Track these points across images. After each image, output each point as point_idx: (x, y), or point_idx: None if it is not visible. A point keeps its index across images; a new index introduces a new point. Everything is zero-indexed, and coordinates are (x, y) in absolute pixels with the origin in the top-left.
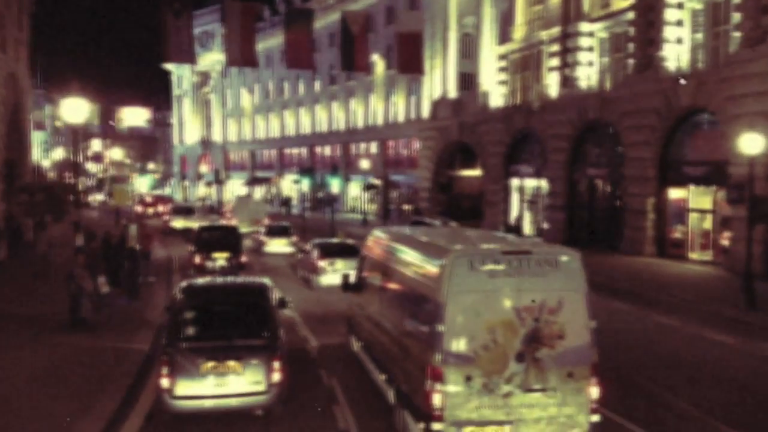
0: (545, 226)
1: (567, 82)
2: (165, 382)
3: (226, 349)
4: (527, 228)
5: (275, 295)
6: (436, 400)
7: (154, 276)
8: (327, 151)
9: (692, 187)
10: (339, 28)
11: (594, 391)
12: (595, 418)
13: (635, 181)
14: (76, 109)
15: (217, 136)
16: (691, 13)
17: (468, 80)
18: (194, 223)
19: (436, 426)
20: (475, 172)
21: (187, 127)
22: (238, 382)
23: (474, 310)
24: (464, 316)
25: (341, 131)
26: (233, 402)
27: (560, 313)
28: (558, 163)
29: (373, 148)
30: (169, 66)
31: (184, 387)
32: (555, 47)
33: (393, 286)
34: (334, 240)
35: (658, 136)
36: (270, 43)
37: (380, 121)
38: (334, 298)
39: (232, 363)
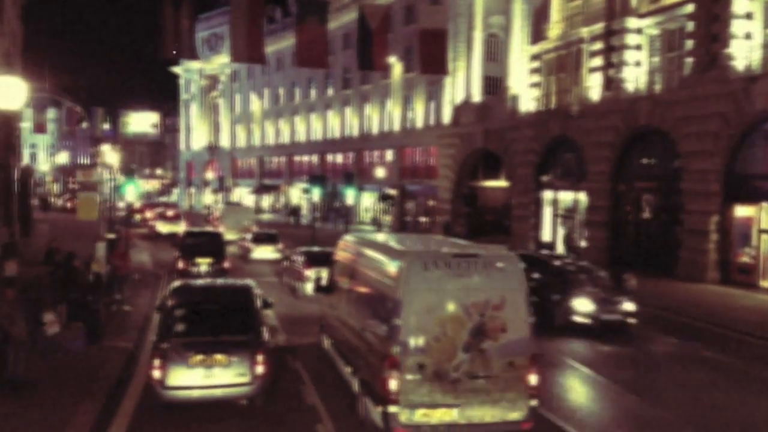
0: (582, 243)
1: (611, 84)
2: (157, 374)
3: (214, 344)
4: (560, 246)
5: (259, 296)
6: (393, 385)
7: (130, 305)
8: (339, 158)
9: (765, 204)
10: (356, 25)
11: (533, 379)
12: (534, 402)
13: (695, 196)
14: (10, 91)
15: (224, 142)
16: (764, 4)
17: (493, 84)
18: (180, 228)
19: (392, 408)
20: (500, 183)
21: (194, 133)
22: (224, 374)
23: (427, 307)
24: (418, 312)
25: (354, 138)
26: (220, 392)
27: (503, 310)
28: (600, 174)
29: (389, 156)
30: (178, 69)
31: (175, 378)
32: (597, 45)
33: (358, 286)
34: (320, 249)
35: (723, 145)
36: (281, 45)
37: (397, 127)
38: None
39: (219, 356)
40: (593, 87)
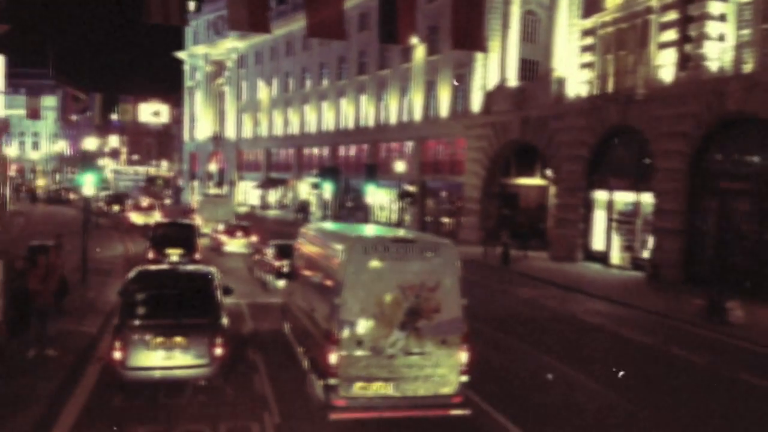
0: (646, 254)
1: (688, 62)
2: (118, 355)
3: (174, 327)
4: (616, 257)
5: (220, 282)
6: (333, 359)
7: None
8: (352, 151)
9: None
10: (373, 3)
11: (463, 356)
12: (464, 378)
13: None
14: None
15: (230, 133)
16: None
17: (529, 69)
18: (153, 219)
19: (332, 381)
20: (534, 181)
21: (199, 122)
22: (184, 356)
23: (367, 288)
24: (358, 292)
25: (370, 128)
26: (179, 373)
27: (437, 292)
28: (672, 172)
29: (408, 148)
30: (182, 55)
31: (136, 359)
32: (670, 16)
33: (311, 272)
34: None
35: None
36: (291, 27)
37: (418, 116)
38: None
39: (178, 339)
40: (664, 66)
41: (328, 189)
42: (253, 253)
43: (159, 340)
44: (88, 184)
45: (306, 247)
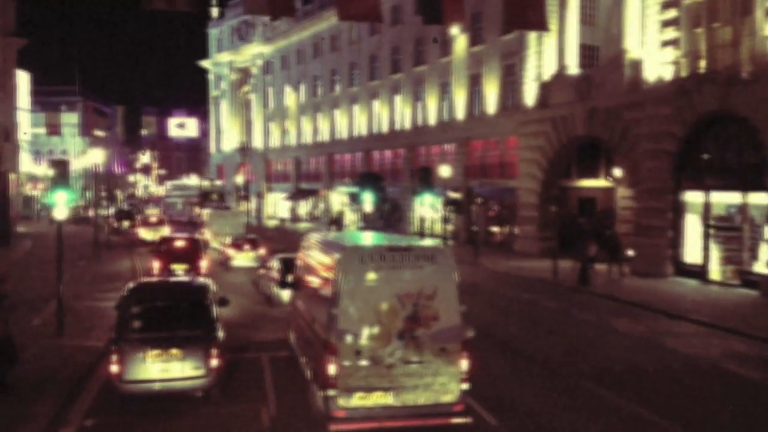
0: (759, 268)
1: None
2: (115, 368)
3: (170, 339)
4: (716, 271)
5: (215, 293)
6: (331, 370)
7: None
8: (388, 156)
9: None
10: None
11: (464, 364)
12: (465, 386)
13: None
14: None
15: (257, 143)
16: None
17: (589, 56)
18: (162, 234)
19: (331, 392)
20: (598, 183)
21: (225, 133)
22: (180, 368)
23: (364, 297)
24: (355, 302)
25: (407, 131)
26: (176, 385)
27: (435, 299)
28: None
29: (451, 151)
30: (206, 63)
31: (133, 372)
32: None
33: (311, 281)
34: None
35: None
36: (319, 27)
37: (461, 115)
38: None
39: (174, 351)
40: None
41: (368, 199)
42: (258, 266)
43: (155, 352)
44: (60, 205)
45: (307, 257)
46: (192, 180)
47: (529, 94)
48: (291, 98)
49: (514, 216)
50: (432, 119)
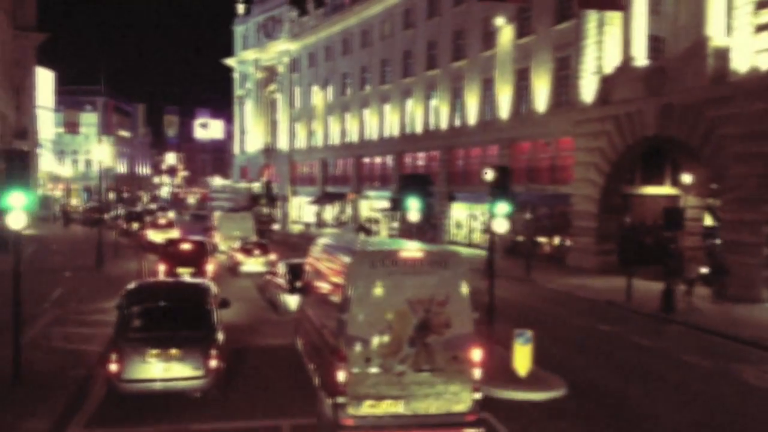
0: None
1: None
2: (114, 367)
3: (169, 339)
4: None
5: (216, 294)
6: (341, 377)
7: None
8: (421, 159)
9: None
10: None
11: (477, 372)
12: (478, 395)
13: None
14: None
15: (282, 144)
16: None
17: (655, 48)
18: (173, 236)
19: (340, 399)
20: (663, 190)
21: (249, 134)
22: (179, 368)
23: (374, 302)
24: (366, 307)
25: (442, 131)
26: (174, 385)
27: (447, 306)
28: None
29: (493, 153)
30: (231, 61)
31: (132, 371)
32: None
33: (320, 286)
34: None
35: None
36: (348, 22)
37: (505, 113)
38: None
39: (174, 351)
40: None
41: (414, 206)
42: (265, 272)
43: (154, 352)
44: (16, 211)
45: (316, 262)
46: (241, 184)
47: (587, 90)
48: (318, 97)
49: (567, 226)
50: (472, 119)
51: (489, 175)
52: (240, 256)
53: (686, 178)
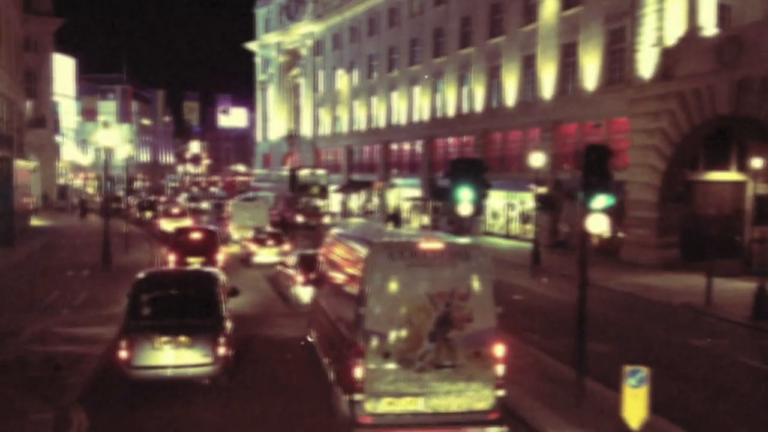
0: None
1: None
2: (124, 354)
3: (178, 326)
4: None
5: (225, 283)
6: (358, 373)
7: None
8: (453, 144)
9: None
10: None
11: (499, 369)
12: (500, 392)
13: None
14: None
15: (306, 130)
16: None
17: (720, 17)
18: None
19: (357, 396)
20: (728, 176)
21: (272, 120)
22: (188, 355)
23: (393, 295)
24: (384, 301)
25: (477, 114)
26: (184, 372)
27: (469, 300)
28: None
29: (533, 136)
30: (253, 45)
31: (141, 358)
32: None
33: (334, 277)
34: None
35: None
36: (375, 0)
37: (548, 93)
38: None
39: (183, 338)
40: None
41: (466, 197)
42: (277, 263)
43: (163, 339)
44: None
45: (331, 252)
46: (283, 171)
47: (646, 65)
48: (343, 81)
49: (619, 216)
50: (510, 99)
51: (585, 156)
52: (253, 246)
53: (756, 163)
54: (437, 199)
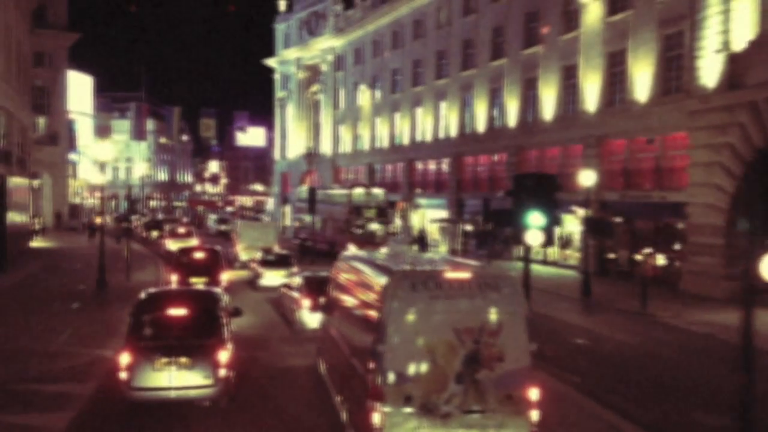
0: None
1: None
2: (123, 375)
3: (179, 347)
4: None
5: (228, 303)
6: (376, 419)
7: None
8: (483, 162)
9: None
10: None
11: (534, 415)
12: None
13: None
14: None
15: (325, 148)
16: None
17: None
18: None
19: None
20: None
21: (290, 138)
22: (188, 377)
23: (415, 331)
24: (405, 337)
25: (510, 130)
26: (184, 394)
27: (500, 336)
28: None
29: (575, 153)
30: (272, 62)
31: (141, 380)
32: None
33: (347, 306)
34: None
35: None
36: (399, 11)
37: (592, 105)
38: None
39: (183, 359)
40: None
41: (536, 222)
42: (281, 286)
43: (164, 360)
44: None
45: (343, 278)
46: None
47: (709, 72)
48: (365, 97)
49: (676, 241)
50: (548, 113)
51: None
52: (260, 269)
53: None
54: (494, 225)
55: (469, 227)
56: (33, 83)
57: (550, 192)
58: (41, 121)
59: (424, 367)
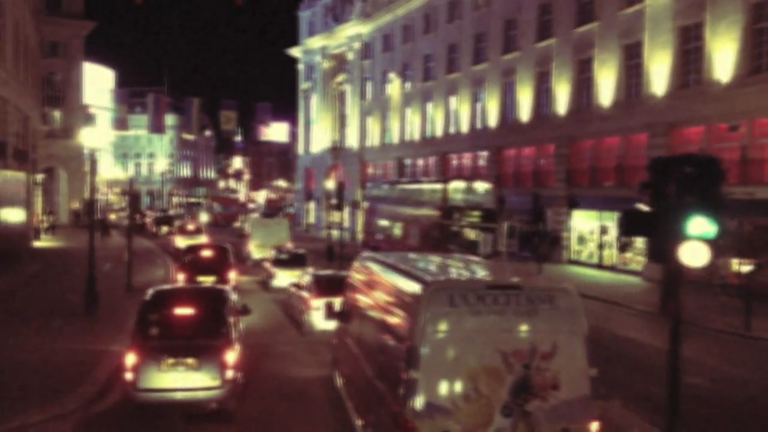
0: None
1: None
2: (129, 376)
3: (186, 347)
4: None
5: (237, 301)
6: None
7: None
8: (527, 154)
9: None
10: None
11: None
12: None
13: None
14: None
15: (352, 141)
16: None
17: None
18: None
19: None
20: None
21: (315, 131)
22: (195, 378)
23: (454, 354)
24: (442, 361)
25: (560, 117)
26: (190, 395)
27: (554, 359)
28: None
29: (639, 143)
30: (296, 51)
31: (147, 380)
32: None
33: (369, 317)
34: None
35: None
36: None
37: (659, 89)
38: None
39: (190, 360)
40: None
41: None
42: (289, 286)
43: (170, 361)
44: None
45: (365, 284)
46: (424, 185)
47: None
48: (394, 86)
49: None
50: (605, 98)
51: None
52: (272, 268)
53: None
54: (631, 234)
55: (516, 224)
56: (47, 74)
57: (714, 184)
58: (57, 114)
59: (464, 397)
